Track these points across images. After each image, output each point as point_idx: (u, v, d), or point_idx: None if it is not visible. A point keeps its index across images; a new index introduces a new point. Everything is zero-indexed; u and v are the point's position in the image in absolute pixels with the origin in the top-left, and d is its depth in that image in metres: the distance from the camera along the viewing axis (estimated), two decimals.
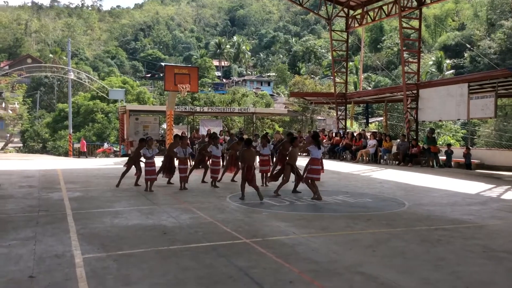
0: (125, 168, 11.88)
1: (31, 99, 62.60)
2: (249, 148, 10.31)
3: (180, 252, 5.74)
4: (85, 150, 29.21)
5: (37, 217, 7.79)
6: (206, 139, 15.38)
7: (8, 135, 49.84)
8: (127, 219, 7.71)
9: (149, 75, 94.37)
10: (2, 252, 5.63)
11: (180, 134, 15.53)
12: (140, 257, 5.49)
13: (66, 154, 34.32)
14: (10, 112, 55.19)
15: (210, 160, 12.45)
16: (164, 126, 27.96)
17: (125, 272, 4.91)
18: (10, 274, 4.82)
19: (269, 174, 11.86)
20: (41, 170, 16.11)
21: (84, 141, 29.43)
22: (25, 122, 51.44)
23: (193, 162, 14.22)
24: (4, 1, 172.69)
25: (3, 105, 60.89)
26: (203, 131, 24.92)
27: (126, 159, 13.00)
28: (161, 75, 62.43)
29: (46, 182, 12.71)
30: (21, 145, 47.85)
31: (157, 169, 11.45)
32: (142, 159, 11.30)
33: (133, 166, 11.81)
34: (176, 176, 11.70)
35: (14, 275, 4.79)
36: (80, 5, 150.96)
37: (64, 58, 64.77)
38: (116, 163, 19.06)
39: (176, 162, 11.78)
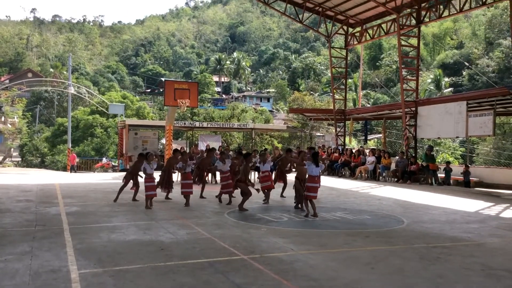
0: (123, 182, 11.85)
1: (30, 113, 62.76)
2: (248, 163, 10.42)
3: (177, 268, 5.69)
4: (75, 163, 28.74)
5: (34, 232, 7.75)
6: (205, 154, 15.35)
7: (8, 149, 49.83)
8: (124, 234, 7.67)
9: (149, 90, 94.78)
10: None
11: (179, 149, 15.52)
12: (137, 273, 5.45)
13: (64, 168, 34.26)
14: (10, 126, 55.29)
15: (219, 176, 12.41)
16: (163, 141, 27.97)
17: None
18: None
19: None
20: (39, 184, 16.06)
21: (74, 155, 29.07)
22: (24, 136, 51.46)
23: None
24: (6, 16, 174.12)
25: (3, 119, 61.00)
26: (202, 146, 24.92)
27: (124, 173, 12.96)
28: (161, 90, 62.72)
29: (43, 196, 12.66)
30: (20, 159, 47.77)
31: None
32: (141, 174, 11.27)
33: (131, 180, 11.78)
34: (175, 192, 11.66)
35: None
36: (82, 20, 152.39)
37: (65, 72, 65.07)
38: (115, 178, 19.01)
39: (175, 176, 11.77)
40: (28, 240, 7.11)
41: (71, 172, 27.34)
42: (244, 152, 16.71)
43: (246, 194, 10.34)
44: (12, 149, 50.79)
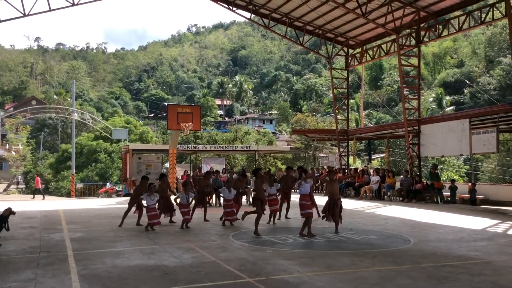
0: (128, 207, 11.82)
1: (35, 140, 63.06)
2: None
3: None
4: (40, 187, 28.14)
5: (38, 258, 7.70)
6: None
7: (13, 176, 49.88)
8: (128, 259, 7.61)
9: (152, 114, 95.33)
10: None
11: (165, 173, 15.52)
12: None
13: (68, 194, 34.23)
14: (14, 153, 55.50)
15: (223, 203, 12.33)
16: (167, 165, 27.99)
17: None
18: None
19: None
20: (43, 210, 16.04)
21: (38, 178, 28.60)
22: (28, 163, 51.56)
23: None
24: (11, 45, 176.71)
25: (7, 146, 61.30)
26: (205, 169, 24.89)
27: (128, 198, 12.95)
28: (164, 114, 63.06)
29: (47, 223, 12.63)
30: (24, 186, 47.79)
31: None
32: (144, 202, 11.25)
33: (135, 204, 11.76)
34: (179, 215, 11.61)
35: None
36: (85, 48, 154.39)
37: (69, 99, 65.70)
38: (118, 203, 18.98)
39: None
40: (32, 267, 7.06)
41: (33, 198, 26.40)
42: (248, 174, 16.72)
43: (258, 214, 10.17)
44: (19, 177, 50.86)
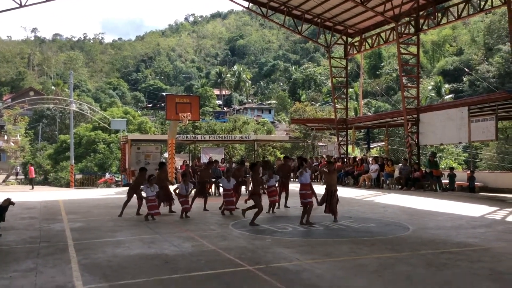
0: (127, 198, 11.84)
1: (33, 131, 62.93)
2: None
3: (183, 281, 5.66)
4: (33, 176, 28.12)
5: (38, 248, 7.73)
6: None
7: (12, 167, 49.87)
8: (129, 248, 7.64)
9: (150, 105, 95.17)
10: (3, 284, 5.56)
11: (164, 162, 15.56)
12: (142, 287, 5.41)
13: (68, 185, 34.26)
14: (12, 144, 55.40)
15: (222, 192, 12.35)
16: (166, 155, 27.99)
17: None
18: None
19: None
20: (43, 201, 16.06)
21: (32, 168, 28.58)
22: (27, 154, 51.54)
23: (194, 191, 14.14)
24: (8, 36, 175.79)
25: (5, 137, 61.19)
26: (204, 159, 24.92)
27: (127, 188, 12.97)
28: (163, 104, 62.94)
29: (47, 213, 12.66)
30: (23, 177, 47.83)
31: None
32: (143, 194, 11.25)
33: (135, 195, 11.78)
34: (178, 204, 11.63)
35: None
36: (82, 38, 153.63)
37: (66, 90, 65.49)
38: (118, 193, 19.01)
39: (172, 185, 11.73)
40: (33, 256, 7.09)
41: (33, 187, 26.38)
42: (246, 163, 16.73)
43: (259, 209, 10.09)
44: (18, 168, 50.87)
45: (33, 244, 8.09)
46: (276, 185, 12.05)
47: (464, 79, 56.67)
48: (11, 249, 7.75)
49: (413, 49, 22.19)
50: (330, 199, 10.22)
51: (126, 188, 14.80)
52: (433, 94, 53.43)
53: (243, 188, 15.44)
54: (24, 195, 19.19)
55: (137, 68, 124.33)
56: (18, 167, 51.47)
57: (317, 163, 23.81)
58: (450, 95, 52.45)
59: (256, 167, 10.97)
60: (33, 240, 8.53)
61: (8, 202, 9.05)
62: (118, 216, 11.41)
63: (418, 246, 7.69)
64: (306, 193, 9.93)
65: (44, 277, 5.85)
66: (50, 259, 6.90)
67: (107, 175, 35.12)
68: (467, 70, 51.64)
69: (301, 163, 10.50)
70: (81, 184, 34.14)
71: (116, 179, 32.88)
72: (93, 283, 5.60)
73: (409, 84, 22.86)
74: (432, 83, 55.68)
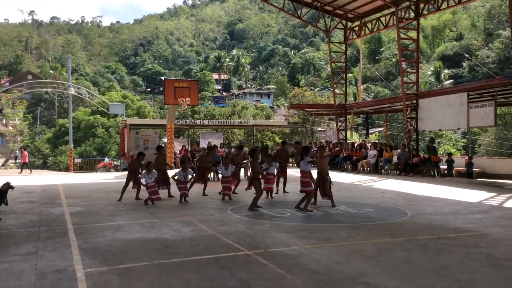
0: (126, 182, 11.88)
1: (31, 115, 62.79)
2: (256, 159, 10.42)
3: (182, 265, 5.71)
4: (27, 161, 28.06)
5: (38, 232, 7.77)
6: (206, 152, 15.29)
7: (11, 151, 49.85)
8: (128, 232, 7.69)
9: (149, 89, 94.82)
10: (3, 268, 5.60)
11: (162, 145, 15.55)
12: (142, 271, 5.46)
13: (67, 169, 34.31)
14: (11, 128, 55.34)
15: (221, 178, 12.38)
16: (165, 139, 27.99)
17: (127, 286, 4.89)
18: None
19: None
20: (42, 185, 16.10)
21: (25, 152, 28.54)
22: (25, 138, 51.51)
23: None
24: (5, 19, 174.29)
25: (4, 121, 61.07)
26: (203, 144, 24.94)
27: (126, 173, 12.99)
28: (161, 89, 62.66)
29: (46, 197, 12.70)
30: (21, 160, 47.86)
31: None
32: (143, 181, 11.26)
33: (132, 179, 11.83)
34: (176, 189, 11.67)
35: None
36: (80, 21, 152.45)
37: (64, 74, 65.18)
38: (117, 177, 19.05)
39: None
40: (33, 240, 7.13)
41: (21, 172, 26.25)
42: (245, 148, 16.73)
43: (258, 193, 10.13)
44: (17, 151, 50.86)
45: (33, 228, 8.14)
46: (275, 172, 12.07)
47: (464, 64, 56.52)
48: (11, 233, 7.80)
49: (413, 34, 22.06)
50: (323, 183, 10.25)
51: (125, 173, 14.85)
52: (433, 80, 53.31)
53: (242, 172, 15.52)
54: (23, 179, 19.24)
55: (135, 52, 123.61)
56: (17, 151, 51.44)
57: (315, 148, 23.82)
58: (450, 81, 52.34)
59: (256, 153, 10.97)
60: (33, 224, 8.57)
61: (7, 186, 9.07)
62: (117, 201, 11.47)
63: (416, 231, 7.74)
64: (308, 181, 9.93)
65: (44, 261, 5.89)
66: (50, 243, 6.94)
67: (106, 160, 35.13)
68: (466, 55, 51.44)
69: (305, 150, 10.44)
70: (80, 168, 34.16)
71: (115, 163, 32.90)
72: (93, 267, 5.64)
73: (408, 70, 22.75)
74: (432, 68, 55.50)
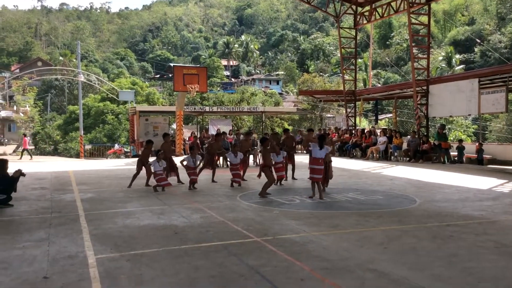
0: (136, 170, 11.97)
1: (42, 101, 63.21)
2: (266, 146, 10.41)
3: (192, 251, 5.77)
4: (27, 147, 28.27)
5: (50, 219, 7.87)
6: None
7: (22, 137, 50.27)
8: (139, 219, 7.77)
9: (158, 75, 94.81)
10: (16, 254, 5.70)
11: (167, 132, 15.60)
12: (152, 257, 5.53)
13: (77, 155, 34.60)
14: (22, 115, 55.81)
15: (229, 166, 12.41)
16: (174, 126, 28.08)
17: (138, 272, 4.96)
18: (24, 275, 4.88)
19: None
20: (53, 172, 16.26)
21: (25, 138, 28.75)
22: (36, 124, 51.94)
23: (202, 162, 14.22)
24: (14, 5, 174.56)
25: (15, 108, 61.56)
26: (212, 130, 24.99)
27: (137, 159, 13.08)
28: (170, 75, 62.67)
29: (58, 184, 12.83)
30: (33, 147, 48.34)
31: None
32: (152, 168, 11.32)
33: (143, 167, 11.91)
34: (185, 176, 11.73)
35: (28, 276, 4.85)
36: (89, 8, 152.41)
37: (74, 60, 65.39)
38: (127, 164, 19.18)
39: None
40: (45, 227, 7.23)
41: (21, 158, 26.42)
42: (254, 134, 16.71)
43: (269, 180, 10.11)
44: (28, 138, 51.34)
45: (44, 215, 8.24)
46: (283, 160, 12.07)
47: (476, 49, 55.78)
48: (23, 219, 7.91)
49: (424, 18, 21.79)
50: (326, 171, 10.24)
51: (135, 159, 14.96)
52: (444, 65, 52.76)
53: (251, 159, 15.54)
54: (34, 166, 19.44)
55: (144, 38, 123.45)
56: (28, 138, 51.97)
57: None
58: (461, 66, 51.77)
59: (267, 141, 10.87)
60: (44, 210, 8.68)
61: (19, 173, 9.19)
62: (127, 187, 11.57)
63: (425, 218, 7.74)
64: (318, 168, 9.88)
65: (56, 247, 5.98)
66: (62, 229, 7.04)
67: (116, 146, 35.37)
68: (478, 40, 50.74)
69: (322, 139, 10.36)
70: (91, 154, 34.45)
71: (125, 150, 33.13)
72: (104, 253, 5.72)
73: (419, 55, 22.52)
74: (443, 54, 54.90)
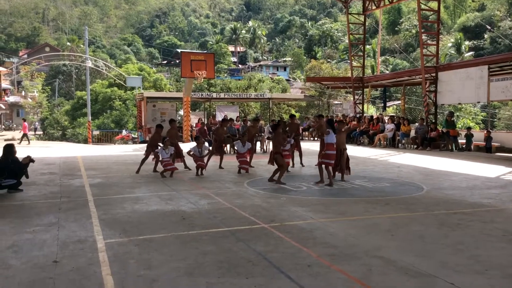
0: (144, 155, 12.03)
1: (49, 87, 63.39)
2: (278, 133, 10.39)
3: (200, 237, 5.82)
4: (27, 132, 28.45)
5: (60, 203, 7.96)
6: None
7: (35, 123, 50.68)
8: (147, 204, 7.83)
9: (165, 61, 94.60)
10: (27, 238, 5.78)
11: (173, 118, 15.61)
12: (161, 242, 5.59)
13: (85, 141, 34.79)
14: (30, 100, 56.09)
15: (236, 153, 12.42)
16: (181, 112, 28.11)
17: (147, 257, 5.02)
18: (35, 259, 4.95)
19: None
20: (62, 157, 16.39)
21: (25, 123, 28.90)
22: (44, 110, 52.17)
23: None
24: None
25: (23, 93, 61.85)
26: (219, 117, 25.00)
27: (144, 145, 13.14)
28: (177, 61, 62.57)
29: (67, 169, 12.94)
30: (41, 132, 48.66)
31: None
32: (159, 156, 11.36)
33: (152, 152, 11.97)
34: (193, 161, 11.77)
35: (38, 260, 4.92)
36: None
37: (82, 46, 65.39)
38: (135, 150, 19.27)
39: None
40: (54, 211, 7.31)
41: (20, 142, 26.57)
42: (261, 121, 16.71)
43: (282, 167, 10.10)
44: (37, 123, 51.71)
45: (54, 199, 8.33)
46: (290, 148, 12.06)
47: (485, 36, 55.11)
48: (33, 203, 8.00)
49: (434, 4, 21.50)
50: (339, 159, 10.23)
51: (143, 145, 15.03)
52: (453, 52, 52.22)
53: (258, 145, 15.54)
54: (43, 151, 19.58)
55: (151, 24, 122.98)
56: (37, 123, 52.27)
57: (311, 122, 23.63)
58: (470, 53, 51.21)
59: (279, 127, 10.81)
60: (54, 195, 8.77)
61: (28, 160, 9.28)
62: (135, 173, 11.64)
63: (432, 206, 7.74)
64: (331, 153, 9.88)
65: (66, 232, 6.06)
66: (71, 214, 7.12)
67: (124, 132, 35.51)
68: (488, 27, 50.10)
69: (331, 123, 10.33)
70: (99, 140, 34.63)
71: (133, 136, 33.26)
72: (113, 237, 5.79)
73: (428, 41, 22.26)
74: (452, 40, 54.30)
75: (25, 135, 27.81)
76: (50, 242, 5.59)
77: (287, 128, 12.95)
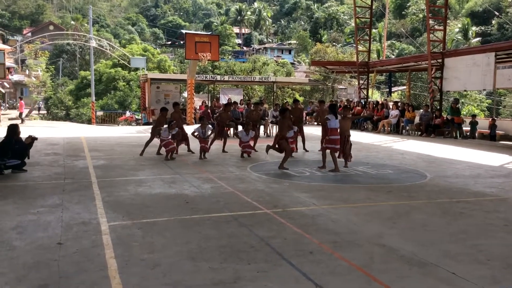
0: (150, 137, 12.05)
1: (53, 66, 63.16)
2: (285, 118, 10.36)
3: (202, 221, 5.85)
4: (23, 111, 28.33)
5: (64, 185, 7.99)
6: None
7: (34, 101, 50.64)
8: (150, 187, 7.86)
9: (169, 42, 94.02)
10: (31, 219, 5.82)
11: (176, 101, 15.57)
12: (164, 225, 5.62)
13: (89, 121, 34.82)
14: (34, 79, 55.95)
15: (239, 140, 12.41)
16: (185, 94, 28.04)
17: (150, 240, 5.05)
18: (39, 240, 4.99)
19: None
20: (65, 137, 16.42)
21: (22, 102, 28.79)
22: (48, 89, 52.10)
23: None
24: None
25: (27, 72, 61.71)
26: (223, 100, 24.94)
27: (148, 127, 13.14)
28: (182, 42, 62.10)
29: (70, 149, 12.97)
30: (45, 112, 48.70)
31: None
32: (161, 134, 11.35)
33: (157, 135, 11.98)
34: (197, 145, 11.78)
35: (43, 241, 4.96)
36: None
37: (86, 25, 64.89)
38: (139, 132, 19.29)
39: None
40: (58, 193, 7.35)
41: (22, 122, 26.52)
42: (265, 105, 16.65)
43: (287, 152, 10.09)
44: (40, 102, 51.70)
45: (58, 181, 8.37)
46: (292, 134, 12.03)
47: (493, 21, 54.48)
48: (37, 184, 8.04)
49: None
50: (344, 146, 10.22)
51: (146, 127, 15.03)
52: (460, 37, 51.72)
53: (261, 129, 15.49)
54: (47, 131, 19.63)
55: (155, 3, 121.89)
56: (40, 102, 52.25)
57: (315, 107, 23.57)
58: (477, 39, 50.71)
59: (286, 113, 10.74)
60: (58, 176, 8.81)
61: (31, 139, 9.30)
62: (139, 155, 11.66)
63: (435, 194, 7.74)
64: (334, 138, 9.88)
65: (70, 213, 6.10)
66: (75, 196, 7.16)
67: (128, 113, 35.51)
68: (496, 12, 49.47)
69: (334, 109, 10.30)
70: (102, 121, 34.65)
71: (137, 117, 33.25)
72: (117, 220, 5.82)
73: (435, 27, 22.01)
74: (459, 25, 53.74)
75: (21, 114, 27.83)
76: (54, 223, 5.63)
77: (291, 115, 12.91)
